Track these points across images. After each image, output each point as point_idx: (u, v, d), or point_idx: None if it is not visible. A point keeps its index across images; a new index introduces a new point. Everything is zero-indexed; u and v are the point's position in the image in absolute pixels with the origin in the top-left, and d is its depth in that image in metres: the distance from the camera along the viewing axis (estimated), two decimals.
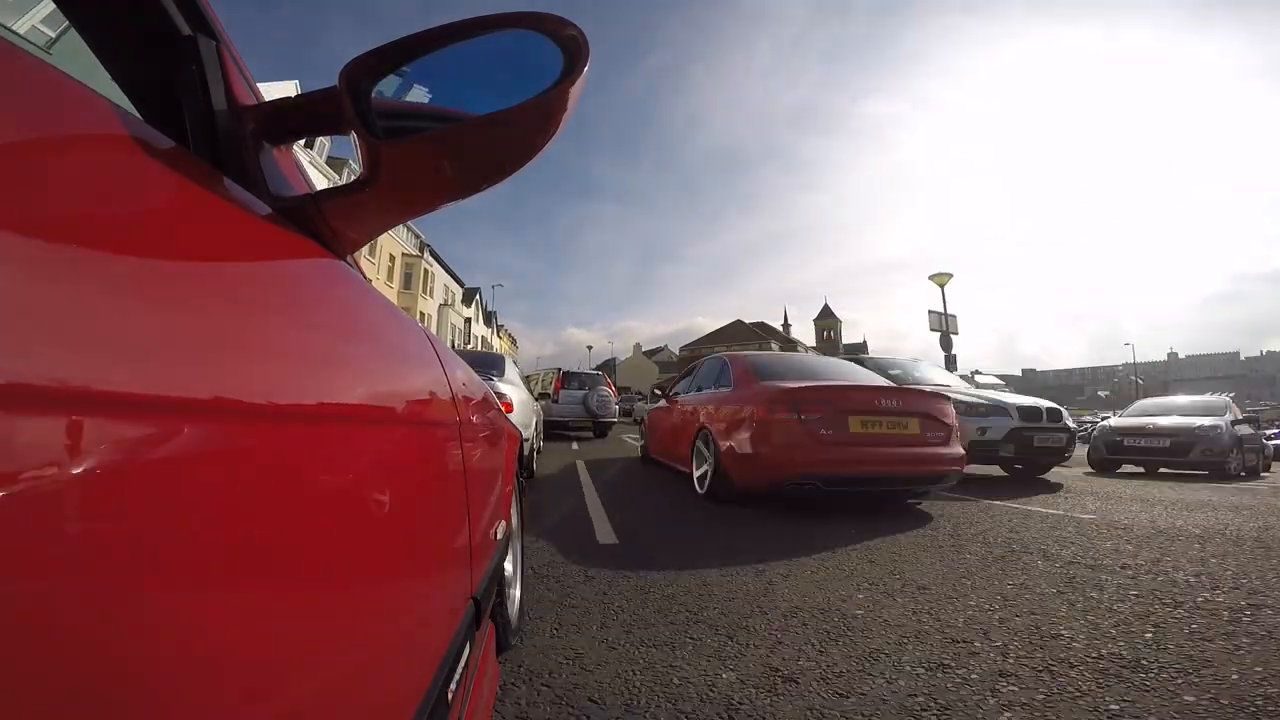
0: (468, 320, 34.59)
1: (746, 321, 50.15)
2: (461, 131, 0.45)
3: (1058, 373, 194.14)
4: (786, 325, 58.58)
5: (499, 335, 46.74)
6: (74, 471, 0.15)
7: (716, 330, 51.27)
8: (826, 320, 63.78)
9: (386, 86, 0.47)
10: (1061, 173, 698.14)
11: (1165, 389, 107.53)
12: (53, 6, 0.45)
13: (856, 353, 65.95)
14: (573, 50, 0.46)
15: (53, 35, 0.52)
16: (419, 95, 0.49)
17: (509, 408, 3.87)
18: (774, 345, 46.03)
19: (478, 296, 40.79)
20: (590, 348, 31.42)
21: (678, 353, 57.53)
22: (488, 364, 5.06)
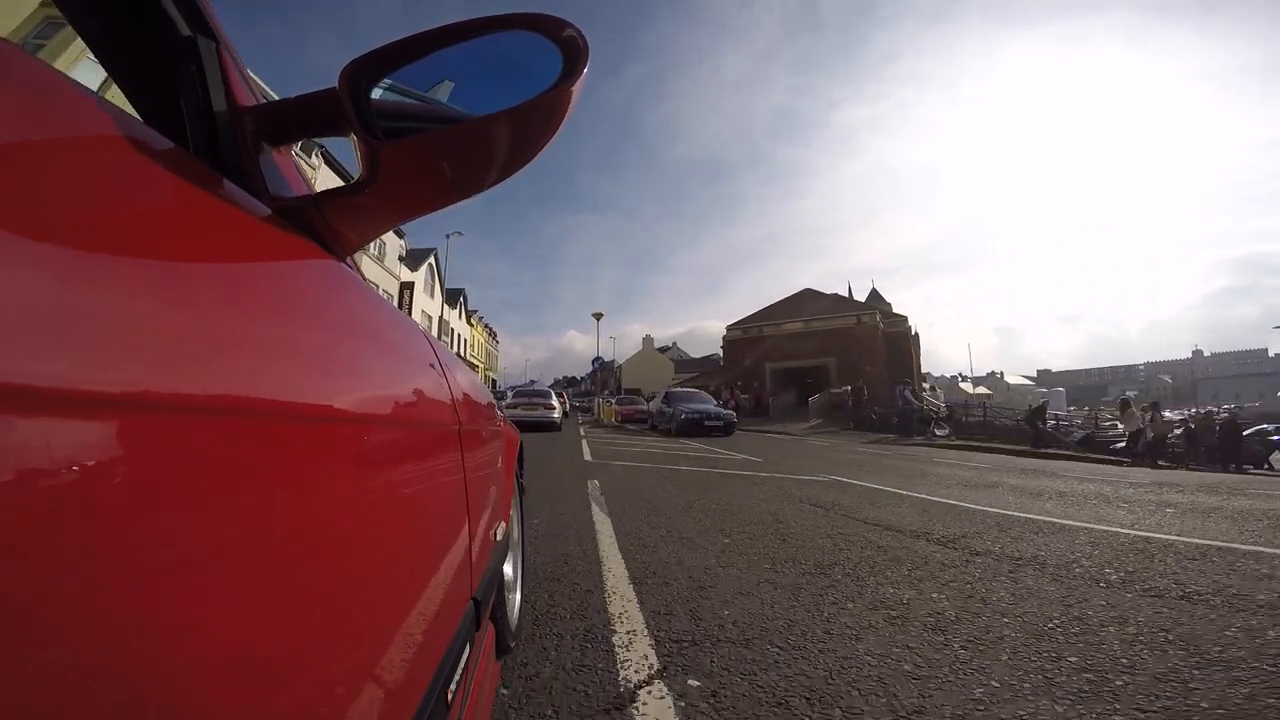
0: (407, 286, 25.21)
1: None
2: (461, 133, 0.45)
3: (1075, 373, 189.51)
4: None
5: (470, 323, 42.52)
6: (74, 471, 0.15)
7: (783, 300, 31.82)
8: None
9: (386, 88, 0.46)
10: (1058, 172, 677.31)
11: (1195, 388, 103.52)
12: (53, 7, 0.44)
13: None
14: (572, 51, 0.45)
15: (53, 35, 0.53)
16: (419, 96, 0.49)
17: (554, 408, 12.31)
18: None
19: (461, 299, 38.40)
20: (599, 357, 28.58)
21: (686, 352, 53.73)
22: (542, 394, 12.69)
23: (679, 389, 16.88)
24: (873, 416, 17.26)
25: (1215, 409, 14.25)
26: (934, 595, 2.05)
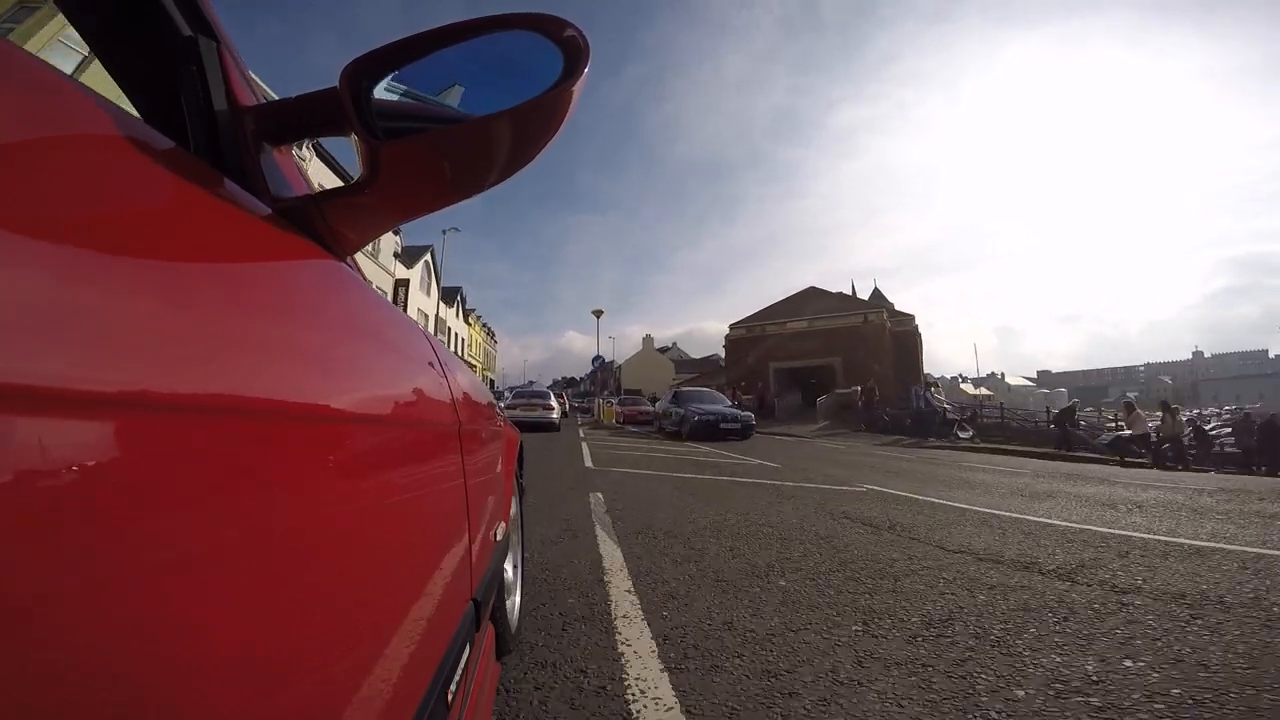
0: (402, 283, 24.66)
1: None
2: (461, 132, 0.45)
3: (1074, 374, 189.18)
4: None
5: (468, 321, 42.37)
6: (74, 471, 0.15)
7: (787, 298, 30.28)
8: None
9: (387, 87, 0.46)
10: (1058, 172, 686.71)
11: (1195, 389, 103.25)
12: (53, 7, 0.44)
13: None
14: (572, 51, 0.45)
15: (53, 36, 0.52)
16: (419, 96, 0.48)
17: (553, 409, 12.66)
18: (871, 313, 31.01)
19: (459, 297, 38.40)
20: (599, 356, 27.18)
21: (686, 353, 53.33)
22: (541, 395, 13.42)
23: (689, 388, 15.00)
24: (884, 418, 16.60)
25: (1245, 408, 13.60)
26: (1126, 663, 1.41)
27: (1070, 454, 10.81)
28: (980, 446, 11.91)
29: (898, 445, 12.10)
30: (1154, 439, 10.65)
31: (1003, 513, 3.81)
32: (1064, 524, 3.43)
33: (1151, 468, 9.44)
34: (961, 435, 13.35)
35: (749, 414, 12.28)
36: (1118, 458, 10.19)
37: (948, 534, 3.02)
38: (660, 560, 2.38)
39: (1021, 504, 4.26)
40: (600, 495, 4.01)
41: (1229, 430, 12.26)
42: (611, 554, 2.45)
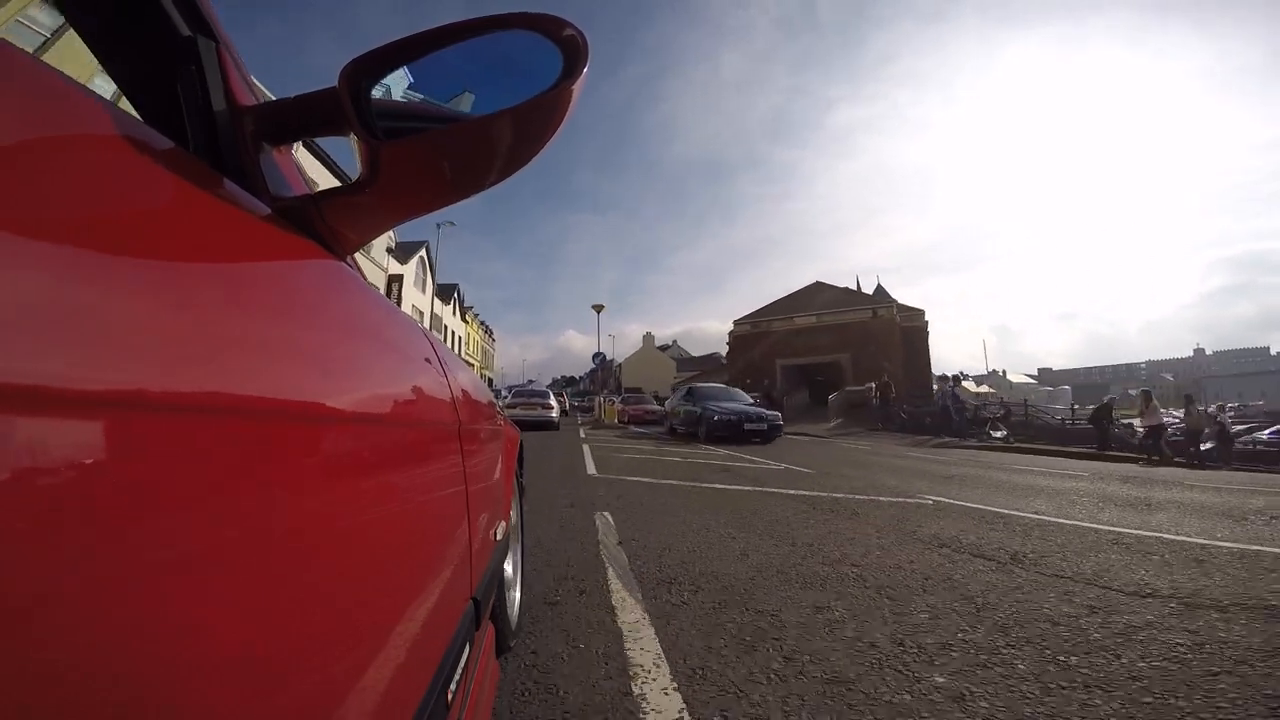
0: (395, 279, 23.99)
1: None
2: (461, 132, 0.45)
3: (1076, 371, 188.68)
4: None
5: (465, 319, 42.48)
6: (74, 471, 0.15)
7: (792, 294, 29.43)
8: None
9: (386, 87, 0.46)
10: (1058, 172, 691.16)
11: (1198, 386, 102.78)
12: (52, 7, 0.45)
13: None
14: (571, 51, 0.45)
15: (53, 35, 0.53)
16: (419, 96, 0.48)
17: (552, 408, 12.99)
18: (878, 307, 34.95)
19: (455, 294, 38.53)
20: (600, 353, 25.96)
21: (687, 351, 53.06)
22: (540, 394, 13.59)
23: (707, 384, 13.34)
24: (902, 415, 15.78)
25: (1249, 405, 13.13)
26: None
27: (1113, 453, 10.04)
28: (1015, 446, 11.14)
29: (926, 445, 11.30)
30: (1168, 431, 10.38)
31: (1126, 530, 3.01)
32: (1225, 544, 2.64)
33: (1171, 466, 8.86)
34: (995, 435, 12.53)
35: (775, 414, 10.77)
36: (1157, 457, 9.42)
37: (1094, 565, 2.22)
38: (717, 640, 1.49)
39: (1130, 516, 3.49)
40: (609, 517, 3.11)
41: (1248, 427, 11.71)
42: (637, 630, 1.56)
